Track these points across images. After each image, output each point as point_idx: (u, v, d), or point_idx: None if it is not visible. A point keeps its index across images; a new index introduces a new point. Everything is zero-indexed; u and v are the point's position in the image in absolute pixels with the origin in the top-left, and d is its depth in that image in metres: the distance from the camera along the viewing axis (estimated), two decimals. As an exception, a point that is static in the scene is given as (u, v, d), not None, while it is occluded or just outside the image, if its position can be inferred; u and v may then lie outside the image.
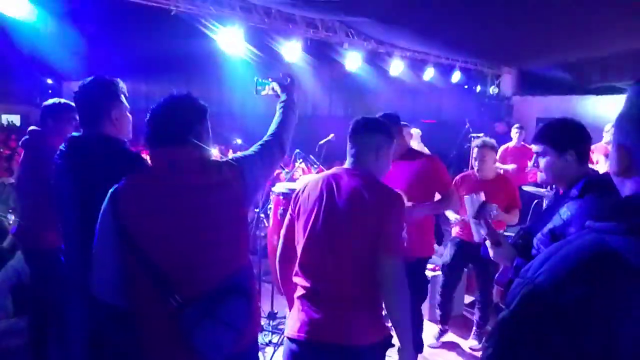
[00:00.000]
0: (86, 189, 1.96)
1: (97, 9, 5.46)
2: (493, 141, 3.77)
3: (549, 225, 1.88)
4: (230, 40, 6.11)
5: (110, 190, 1.63)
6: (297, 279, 1.98)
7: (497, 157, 6.83)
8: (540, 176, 2.13)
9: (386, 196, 1.92)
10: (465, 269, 4.20)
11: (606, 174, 1.88)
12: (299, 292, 1.96)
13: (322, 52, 8.05)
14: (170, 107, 1.65)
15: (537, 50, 6.59)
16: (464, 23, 5.45)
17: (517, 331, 0.84)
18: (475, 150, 3.74)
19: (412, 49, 8.47)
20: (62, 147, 2.11)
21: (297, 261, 1.99)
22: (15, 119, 18.54)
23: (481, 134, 7.71)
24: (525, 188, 6.14)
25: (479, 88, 11.18)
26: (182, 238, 1.57)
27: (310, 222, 1.94)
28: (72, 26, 5.65)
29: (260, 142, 1.91)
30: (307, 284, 1.91)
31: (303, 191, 2.06)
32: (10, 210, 4.08)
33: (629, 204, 0.82)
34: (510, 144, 7.10)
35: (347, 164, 2.06)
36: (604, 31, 5.21)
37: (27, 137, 3.08)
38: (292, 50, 6.88)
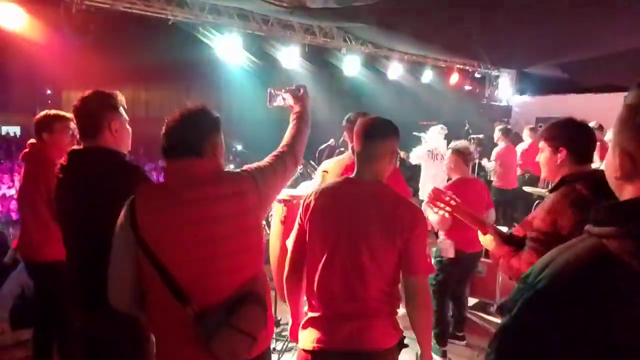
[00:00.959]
0: (88, 202, 1.97)
1: (96, 19, 5.47)
2: (464, 145, 3.77)
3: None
4: (228, 48, 6.13)
5: (127, 202, 1.65)
6: (313, 295, 1.92)
7: (518, 159, 7.01)
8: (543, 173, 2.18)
9: (411, 214, 1.88)
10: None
11: (587, 174, 1.94)
12: (317, 307, 1.90)
13: (320, 58, 8.08)
14: (187, 118, 1.67)
15: (534, 52, 6.60)
16: (460, 27, 5.47)
17: (519, 337, 0.84)
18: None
19: (410, 52, 8.49)
20: (63, 160, 2.12)
21: (316, 277, 1.90)
22: (16, 130, 18.59)
23: (481, 135, 7.75)
24: (526, 188, 6.16)
25: (477, 89, 11.21)
26: (198, 248, 1.59)
27: (331, 239, 1.88)
28: (70, 37, 5.67)
29: (274, 153, 1.92)
30: (327, 300, 1.87)
31: (315, 201, 1.97)
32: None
33: (627, 208, 0.82)
34: (525, 145, 7.17)
35: (362, 173, 1.96)
36: (598, 32, 5.23)
37: (27, 150, 3.09)
38: (290, 57, 6.90)
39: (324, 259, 1.88)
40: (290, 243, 2.11)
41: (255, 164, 1.85)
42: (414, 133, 6.73)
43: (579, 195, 1.86)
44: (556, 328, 0.78)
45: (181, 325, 1.57)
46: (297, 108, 2.11)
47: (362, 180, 1.95)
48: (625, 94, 0.89)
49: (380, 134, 1.92)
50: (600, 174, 1.67)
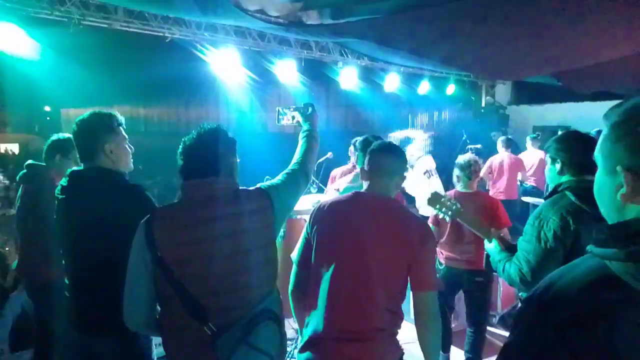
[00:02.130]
0: (88, 222, 1.98)
1: (94, 39, 5.53)
2: (465, 159, 3.73)
3: None
4: (225, 63, 6.17)
5: (143, 222, 1.67)
6: (317, 311, 1.89)
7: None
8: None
9: (420, 230, 1.90)
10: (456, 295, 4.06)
11: (579, 182, 2.00)
12: (319, 325, 1.87)
13: (317, 71, 8.13)
14: (204, 138, 1.72)
15: (528, 63, 6.66)
16: (455, 42, 5.52)
17: (523, 356, 0.85)
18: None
19: (407, 65, 8.55)
20: (62, 182, 2.13)
21: (321, 292, 1.89)
22: (14, 148, 18.58)
23: (479, 145, 7.78)
24: (525, 199, 6.17)
25: (474, 99, 11.27)
26: (216, 267, 1.61)
27: (339, 253, 1.88)
28: (69, 56, 5.72)
29: (286, 171, 1.97)
30: (332, 318, 1.85)
31: (321, 215, 1.98)
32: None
33: (628, 229, 0.83)
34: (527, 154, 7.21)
35: (373, 188, 1.98)
36: (590, 42, 5.29)
37: (25, 171, 3.10)
38: (287, 71, 6.95)
39: (330, 273, 1.86)
40: (295, 257, 2.10)
41: (268, 182, 1.90)
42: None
43: (567, 202, 1.95)
44: (560, 347, 0.79)
45: (197, 345, 1.58)
46: (306, 126, 2.17)
47: (373, 194, 1.97)
48: (619, 101, 0.90)
49: (394, 151, 2.01)
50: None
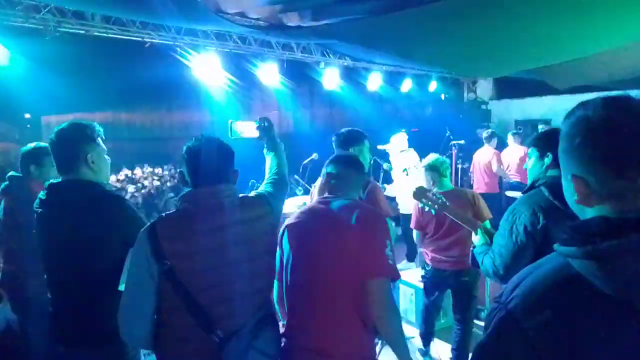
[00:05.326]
0: (70, 235, 1.95)
1: (72, 46, 5.45)
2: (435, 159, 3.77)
3: None
4: (206, 67, 6.12)
5: (145, 233, 1.64)
6: (285, 320, 1.94)
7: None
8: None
9: (363, 216, 1.84)
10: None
11: (555, 178, 2.02)
12: (288, 333, 1.89)
13: (299, 72, 8.11)
14: (210, 148, 1.74)
15: (508, 61, 6.75)
16: (436, 42, 5.57)
17: (493, 356, 0.88)
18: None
19: (389, 64, 8.59)
20: (41, 195, 2.09)
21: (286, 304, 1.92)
22: (-5, 157, 18.23)
23: (462, 141, 7.83)
24: (509, 193, 6.24)
25: (455, 95, 11.36)
26: (223, 273, 1.63)
27: (295, 265, 1.89)
28: (47, 64, 5.64)
29: (269, 181, 2.03)
30: (296, 327, 1.86)
31: (289, 227, 2.00)
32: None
33: (587, 228, 0.85)
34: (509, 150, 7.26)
35: (326, 193, 2.04)
36: (568, 38, 5.38)
37: (7, 183, 3.03)
38: (269, 73, 6.93)
39: (289, 284, 1.89)
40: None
41: (260, 190, 1.95)
42: (378, 146, 5.90)
43: (541, 198, 1.96)
44: (527, 346, 0.81)
45: (203, 354, 1.58)
46: (265, 141, 2.24)
47: (322, 199, 2.01)
48: (601, 93, 0.93)
49: (341, 165, 2.14)
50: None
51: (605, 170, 0.83)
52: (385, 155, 5.94)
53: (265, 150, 2.22)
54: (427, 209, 2.49)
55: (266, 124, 2.25)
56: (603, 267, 0.77)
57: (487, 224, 3.73)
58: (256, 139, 2.26)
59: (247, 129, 2.27)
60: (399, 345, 1.81)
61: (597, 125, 0.84)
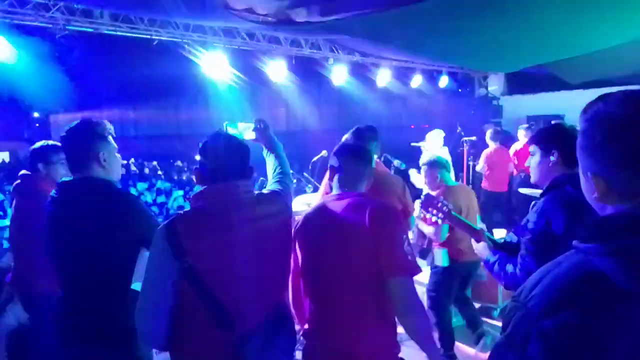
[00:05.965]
0: (81, 234, 1.94)
1: (80, 43, 5.46)
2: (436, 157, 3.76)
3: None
4: (214, 64, 6.11)
5: (162, 231, 1.61)
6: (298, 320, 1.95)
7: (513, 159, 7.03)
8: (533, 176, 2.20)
9: (377, 212, 1.76)
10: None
11: (575, 175, 1.93)
12: (308, 334, 1.88)
13: (308, 69, 8.07)
14: (226, 144, 1.73)
15: (520, 55, 6.67)
16: (447, 36, 5.50)
17: (513, 356, 0.85)
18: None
19: (398, 59, 8.52)
20: (53, 193, 2.08)
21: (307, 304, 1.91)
22: (5, 156, 18.40)
23: (473, 137, 7.75)
24: (522, 190, 6.15)
25: (466, 90, 11.27)
26: (242, 271, 1.61)
27: (312, 263, 1.87)
28: (56, 62, 5.65)
29: (276, 179, 2.02)
30: (317, 328, 1.84)
31: (301, 228, 1.96)
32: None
33: (610, 224, 0.83)
34: (519, 145, 7.19)
35: (335, 190, 1.98)
36: (581, 32, 5.30)
37: (19, 181, 3.03)
38: (277, 70, 6.89)
39: (307, 282, 1.88)
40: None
41: (272, 187, 1.95)
42: (412, 144, 6.25)
43: (569, 196, 1.88)
44: (547, 346, 0.79)
45: (220, 354, 1.57)
46: (262, 142, 2.22)
47: (334, 196, 1.95)
48: (613, 89, 0.91)
49: (350, 158, 2.05)
50: None
51: (629, 170, 0.82)
52: (399, 153, 5.95)
53: (265, 152, 2.19)
54: (433, 219, 2.41)
55: (262, 125, 2.22)
56: (628, 264, 0.76)
57: (479, 218, 3.74)
58: (252, 141, 2.21)
59: (243, 132, 2.23)
60: (427, 344, 1.72)
61: (619, 124, 0.83)
